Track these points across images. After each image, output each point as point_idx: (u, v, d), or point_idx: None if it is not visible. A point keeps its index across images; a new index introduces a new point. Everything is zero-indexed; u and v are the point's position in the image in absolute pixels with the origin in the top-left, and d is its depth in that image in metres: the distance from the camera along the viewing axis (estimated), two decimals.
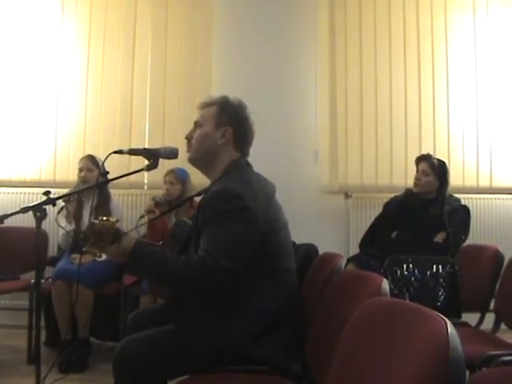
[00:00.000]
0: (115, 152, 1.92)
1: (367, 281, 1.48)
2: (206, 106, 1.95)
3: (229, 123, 1.90)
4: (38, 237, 1.88)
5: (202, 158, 1.92)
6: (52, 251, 3.81)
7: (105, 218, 1.67)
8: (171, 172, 3.58)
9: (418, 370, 0.90)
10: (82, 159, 3.61)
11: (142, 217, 3.26)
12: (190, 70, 4.21)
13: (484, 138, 4.28)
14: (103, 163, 1.95)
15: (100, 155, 3.62)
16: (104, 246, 1.67)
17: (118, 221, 1.70)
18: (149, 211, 3.35)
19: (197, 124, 1.93)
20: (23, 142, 4.17)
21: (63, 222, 3.36)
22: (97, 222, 1.66)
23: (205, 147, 1.89)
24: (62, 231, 3.49)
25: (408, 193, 3.46)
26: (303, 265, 2.19)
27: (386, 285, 1.40)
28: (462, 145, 4.27)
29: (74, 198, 3.41)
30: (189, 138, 1.93)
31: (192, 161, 1.94)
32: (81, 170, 3.54)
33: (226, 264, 1.63)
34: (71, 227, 3.41)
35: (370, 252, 3.33)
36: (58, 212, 3.27)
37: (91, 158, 3.57)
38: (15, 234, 3.68)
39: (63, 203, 3.31)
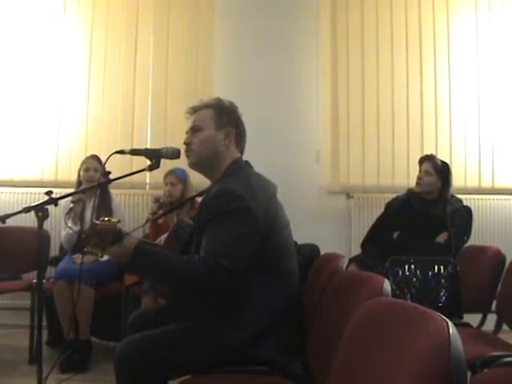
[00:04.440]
0: (117, 152, 1.92)
1: (369, 281, 1.48)
2: (198, 109, 1.93)
3: (230, 124, 1.90)
4: (40, 237, 1.89)
5: (204, 161, 1.90)
6: (54, 251, 3.81)
7: (106, 219, 1.68)
8: (171, 173, 3.53)
9: (419, 370, 0.90)
10: (87, 159, 3.59)
11: (148, 221, 3.24)
12: (192, 71, 4.22)
13: (486, 138, 4.27)
14: (105, 163, 1.95)
15: (102, 155, 3.61)
16: (105, 247, 1.67)
17: (119, 221, 1.71)
18: (153, 213, 3.33)
19: (194, 129, 1.91)
20: (25, 142, 4.17)
21: (70, 223, 3.36)
22: (98, 222, 1.67)
23: (208, 150, 1.88)
24: (63, 231, 3.50)
25: (410, 193, 3.46)
26: (305, 265, 2.18)
27: (387, 285, 1.39)
28: (464, 145, 4.26)
29: (82, 199, 3.40)
30: (188, 144, 1.91)
31: (194, 165, 1.93)
32: (88, 169, 3.52)
33: (226, 264, 1.63)
34: (77, 228, 3.41)
35: (371, 252, 3.32)
36: (67, 213, 3.28)
37: (96, 158, 3.57)
38: (17, 233, 3.69)
39: (72, 204, 3.31)
